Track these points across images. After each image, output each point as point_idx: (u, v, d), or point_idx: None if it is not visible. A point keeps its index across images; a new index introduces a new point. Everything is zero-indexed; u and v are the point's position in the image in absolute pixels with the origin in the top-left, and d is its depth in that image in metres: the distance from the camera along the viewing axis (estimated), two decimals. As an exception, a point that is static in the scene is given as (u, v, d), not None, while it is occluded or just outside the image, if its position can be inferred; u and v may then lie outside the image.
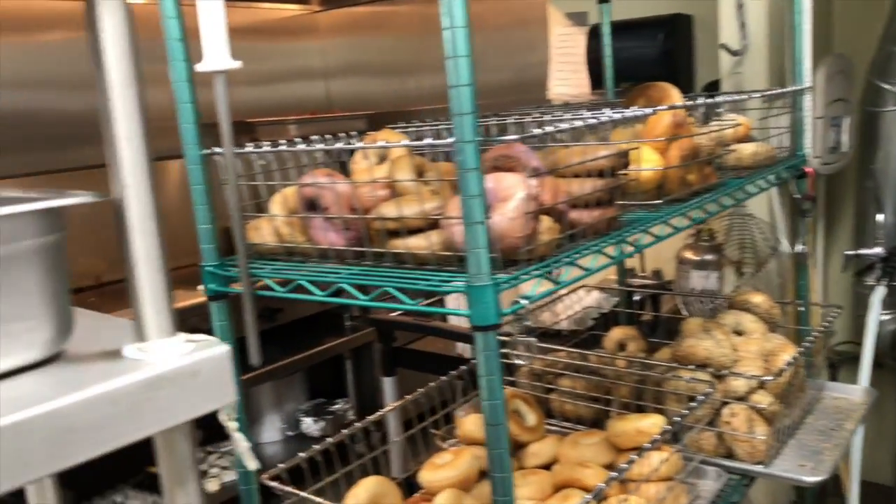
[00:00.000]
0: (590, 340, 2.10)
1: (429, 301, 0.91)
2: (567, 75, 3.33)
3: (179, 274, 1.16)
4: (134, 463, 2.91)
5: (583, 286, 2.33)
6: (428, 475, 1.44)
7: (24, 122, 3.03)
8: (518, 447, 1.58)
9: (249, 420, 3.20)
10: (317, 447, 1.34)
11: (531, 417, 1.62)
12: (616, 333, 1.97)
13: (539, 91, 3.28)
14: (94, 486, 2.78)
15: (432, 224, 0.97)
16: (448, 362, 2.14)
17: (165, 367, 0.53)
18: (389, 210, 0.98)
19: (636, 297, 2.44)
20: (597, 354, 1.75)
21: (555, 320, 2.26)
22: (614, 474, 1.23)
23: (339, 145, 0.98)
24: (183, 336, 0.57)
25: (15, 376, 0.53)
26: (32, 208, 0.53)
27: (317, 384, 3.42)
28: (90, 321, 0.65)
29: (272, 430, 3.24)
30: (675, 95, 1.53)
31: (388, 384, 2.24)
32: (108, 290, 3.25)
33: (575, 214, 1.07)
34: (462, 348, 2.23)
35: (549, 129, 0.92)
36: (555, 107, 1.84)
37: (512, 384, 1.82)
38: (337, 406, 3.30)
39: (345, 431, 1.40)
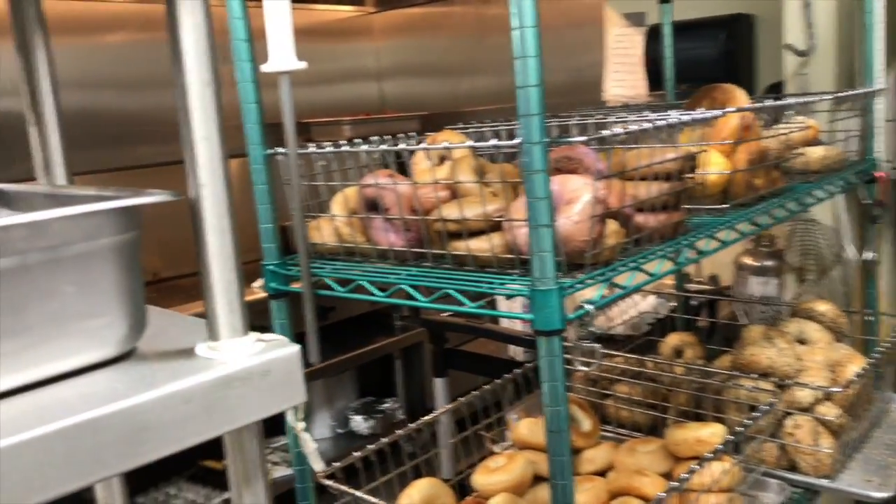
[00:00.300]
0: (645, 346, 2.07)
1: (483, 304, 0.90)
2: (623, 76, 3.28)
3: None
4: (188, 457, 2.96)
5: (637, 290, 2.29)
6: (482, 479, 1.43)
7: (86, 121, 3.11)
8: (573, 453, 1.55)
9: (300, 417, 3.23)
10: (371, 447, 1.34)
11: (586, 423, 1.60)
12: (673, 339, 1.93)
13: (594, 92, 3.24)
14: (149, 479, 2.84)
15: (494, 226, 0.96)
16: (500, 365, 2.13)
17: (237, 366, 0.53)
18: (451, 211, 0.97)
19: (693, 303, 2.39)
20: (654, 360, 1.72)
21: (609, 325, 2.22)
22: (675, 484, 1.20)
23: (401, 146, 0.97)
24: (254, 335, 0.56)
25: (90, 373, 0.53)
26: (111, 206, 0.53)
27: (366, 383, 3.43)
28: (162, 319, 0.65)
29: (323, 427, 3.27)
30: (740, 97, 1.49)
31: (439, 385, 2.24)
32: (165, 287, 3.32)
33: (640, 218, 1.04)
34: (514, 351, 2.21)
35: (618, 130, 0.90)
36: (615, 108, 1.82)
37: (567, 389, 1.80)
38: (386, 405, 3.31)
39: (399, 432, 1.40)
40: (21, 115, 0.75)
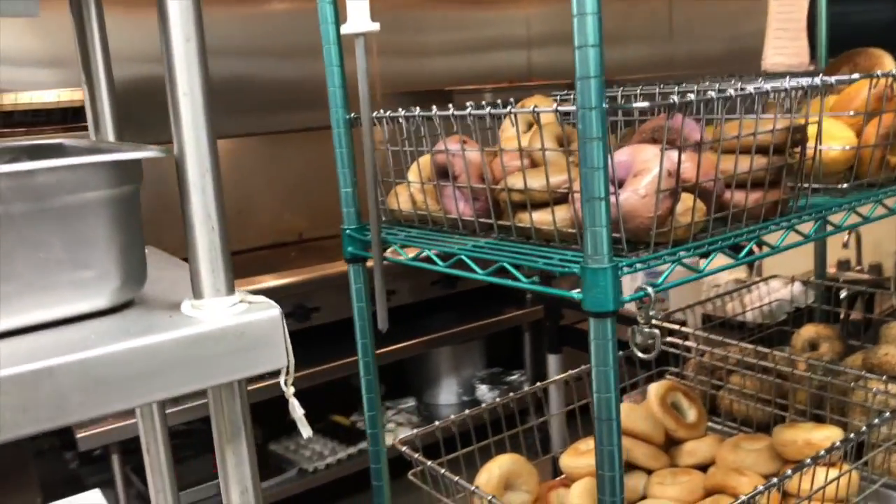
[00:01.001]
0: (777, 336, 1.91)
1: (538, 280, 0.85)
2: (785, 43, 3.02)
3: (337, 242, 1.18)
4: (319, 410, 3.11)
5: (775, 276, 2.12)
6: (569, 460, 1.38)
7: (243, 87, 3.28)
8: (673, 443, 1.47)
9: (427, 381, 3.28)
10: (452, 417, 1.33)
11: (691, 413, 1.50)
12: (808, 331, 1.77)
13: (754, 61, 3.01)
14: (281, 428, 3.00)
15: (559, 198, 0.91)
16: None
17: (211, 326, 0.52)
18: (515, 182, 0.93)
19: (844, 294, 2.17)
20: (776, 353, 1.58)
21: (740, 311, 2.07)
22: (774, 481, 1.10)
23: (469, 111, 0.94)
24: (239, 296, 0.56)
25: (83, 321, 0.55)
26: (99, 160, 0.54)
27: (495, 353, 3.43)
28: (176, 272, 0.67)
29: (449, 394, 3.31)
30: (888, 64, 1.31)
31: (552, 361, 2.19)
32: (308, 247, 3.47)
33: (731, 195, 0.94)
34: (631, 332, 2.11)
35: (690, 96, 0.81)
36: (747, 77, 1.66)
37: (679, 376, 1.70)
38: (513, 377, 3.30)
39: (483, 406, 1.37)
40: (152, 80, 0.79)
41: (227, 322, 0.53)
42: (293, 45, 3.34)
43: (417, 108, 1.05)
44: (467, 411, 1.34)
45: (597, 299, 0.78)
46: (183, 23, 0.51)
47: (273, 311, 0.54)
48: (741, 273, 2.40)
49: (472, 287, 3.18)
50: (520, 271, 0.88)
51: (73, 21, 0.75)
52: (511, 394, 1.40)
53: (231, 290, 0.56)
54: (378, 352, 1.19)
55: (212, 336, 0.52)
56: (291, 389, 0.56)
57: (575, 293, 0.80)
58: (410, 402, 3.22)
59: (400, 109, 1.07)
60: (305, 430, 0.57)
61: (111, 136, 0.77)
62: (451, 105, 1.00)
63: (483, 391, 3.21)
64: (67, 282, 0.53)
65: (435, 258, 0.98)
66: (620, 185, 0.86)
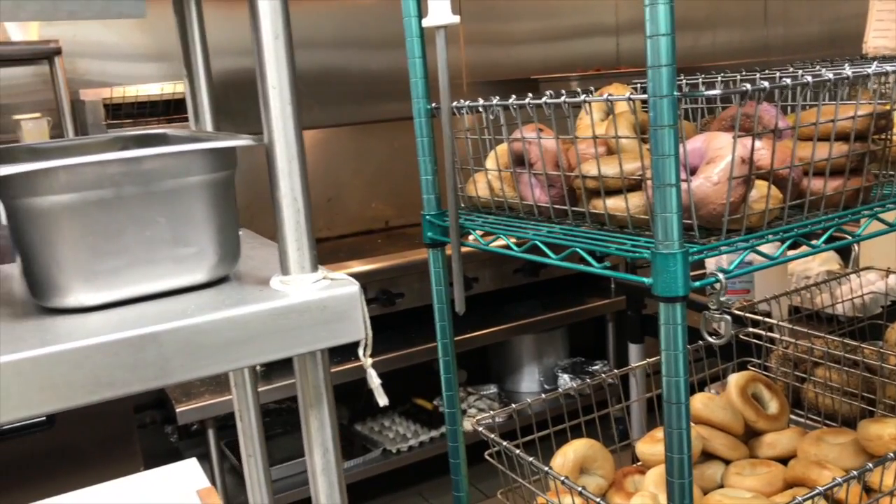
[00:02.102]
0: (869, 330, 1.85)
1: (609, 265, 0.87)
2: (889, 25, 2.89)
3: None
4: (403, 393, 3.19)
5: (869, 268, 2.05)
6: (645, 448, 1.39)
7: (336, 78, 3.38)
8: (754, 435, 1.45)
9: (509, 369, 3.32)
10: (530, 401, 1.36)
11: (773, 405, 1.49)
12: (902, 325, 1.71)
13: (854, 45, 2.89)
14: (368, 410, 3.10)
15: (633, 185, 0.92)
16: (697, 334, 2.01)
17: (296, 299, 0.57)
18: (590, 169, 0.95)
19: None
20: (865, 346, 1.53)
21: (831, 303, 2.01)
22: (854, 473, 1.08)
23: (544, 100, 0.96)
24: (322, 273, 0.61)
25: (183, 294, 0.61)
26: (199, 147, 0.60)
27: (577, 343, 3.43)
28: (266, 251, 0.72)
29: (531, 382, 3.33)
30: None
31: (634, 351, 2.18)
32: (394, 234, 3.55)
33: (809, 183, 0.94)
34: (717, 323, 2.08)
35: (763, 83, 0.81)
36: (838, 62, 1.61)
37: (762, 368, 1.67)
38: (596, 367, 3.29)
39: (560, 390, 1.40)
40: (243, 73, 0.85)
41: (311, 296, 0.58)
42: (382, 36, 3.42)
43: (496, 97, 1.08)
44: (544, 395, 1.37)
45: (667, 284, 0.80)
46: (272, 21, 0.56)
47: (353, 287, 0.59)
48: (833, 265, 2.32)
49: (555, 276, 3.19)
50: (593, 257, 0.90)
51: (176, 18, 0.82)
52: (588, 381, 1.42)
53: (315, 267, 0.61)
54: (461, 338, 1.23)
55: (297, 308, 0.57)
56: (369, 361, 0.60)
57: (647, 279, 0.82)
58: (492, 389, 3.25)
59: (479, 99, 1.10)
60: (382, 399, 0.62)
61: (209, 126, 0.83)
62: (530, 94, 1.03)
63: (565, 380, 3.22)
64: (170, 258, 0.60)
65: (510, 244, 1.02)
66: (694, 172, 0.87)
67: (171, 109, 2.74)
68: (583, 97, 0.92)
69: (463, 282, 1.10)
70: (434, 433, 2.96)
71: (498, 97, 1.06)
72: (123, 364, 0.51)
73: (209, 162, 0.60)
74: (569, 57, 3.95)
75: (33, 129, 2.63)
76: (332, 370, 2.83)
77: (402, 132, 3.10)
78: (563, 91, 0.98)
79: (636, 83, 1.32)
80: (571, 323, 3.27)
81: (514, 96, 1.06)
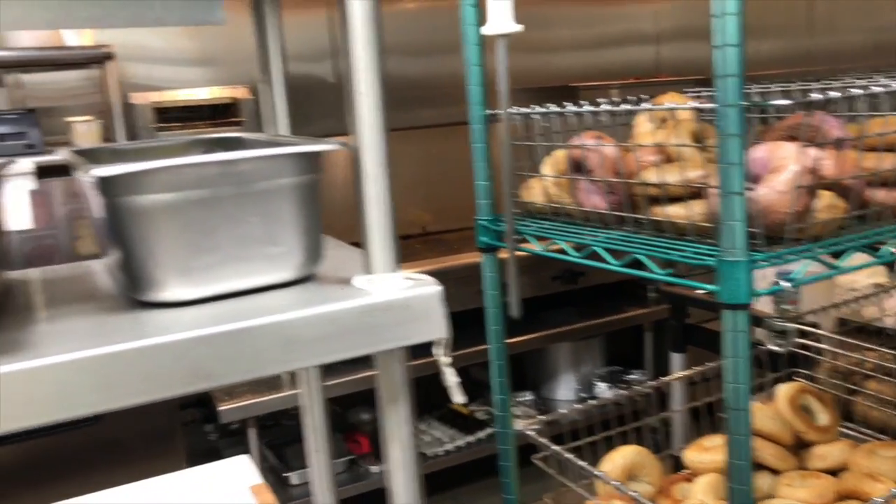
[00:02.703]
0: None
1: (672, 272, 0.88)
2: (937, 36, 2.86)
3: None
4: (439, 399, 3.20)
5: (918, 281, 2.02)
6: (692, 455, 1.39)
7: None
8: (803, 446, 1.45)
9: (546, 376, 3.32)
10: (578, 406, 1.37)
11: (823, 417, 1.48)
12: (953, 340, 1.69)
13: (898, 55, 2.86)
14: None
15: (695, 193, 0.93)
16: (744, 346, 1.99)
17: (381, 297, 0.59)
18: (651, 176, 0.96)
19: None
20: (917, 359, 1.52)
21: (878, 316, 1.99)
22: (905, 490, 1.08)
23: (603, 108, 0.97)
24: (403, 273, 0.63)
25: (272, 291, 0.64)
26: (288, 151, 0.62)
27: (614, 352, 3.42)
28: (343, 252, 0.75)
29: (567, 390, 3.32)
30: None
31: (676, 360, 2.18)
32: (432, 239, 3.57)
33: (876, 194, 0.94)
34: (760, 333, 2.07)
35: (832, 94, 0.82)
36: (891, 73, 1.60)
37: (810, 379, 1.66)
38: (633, 376, 3.28)
39: (607, 397, 1.40)
40: (317, 78, 0.88)
41: (396, 295, 0.60)
42: (421, 43, 3.45)
43: (538, 105, 1.10)
44: (592, 401, 1.38)
45: (731, 291, 0.81)
46: (364, 30, 0.58)
47: (435, 287, 0.61)
48: (881, 277, 2.29)
49: (592, 284, 3.18)
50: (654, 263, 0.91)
51: (254, 24, 0.85)
52: (635, 388, 1.43)
53: (397, 268, 0.63)
54: (498, 344, 1.24)
55: (382, 307, 0.59)
56: (447, 360, 0.62)
57: (710, 286, 0.83)
58: (528, 396, 3.25)
59: (533, 106, 1.12)
60: (458, 397, 0.64)
61: (284, 131, 0.86)
62: (575, 102, 1.04)
63: (602, 388, 3.21)
64: (261, 256, 0.62)
65: (568, 249, 1.03)
66: (755, 181, 0.88)
67: (218, 114, 2.79)
68: (644, 105, 0.93)
69: (518, 286, 1.12)
70: (470, 438, 2.97)
71: (539, 105, 1.07)
72: (222, 356, 0.54)
73: (299, 165, 0.63)
74: (607, 65, 3.95)
75: (85, 131, 2.69)
76: (366, 374, 2.83)
77: (438, 138, 3.11)
78: (608, 99, 0.99)
79: (689, 91, 1.32)
80: (609, 331, 3.27)
81: (569, 104, 1.07)
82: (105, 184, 0.56)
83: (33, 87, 2.98)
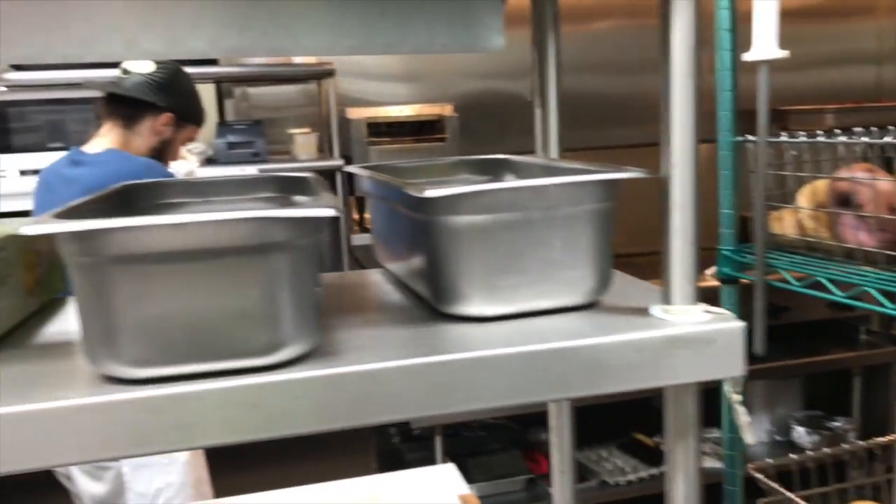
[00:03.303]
0: None
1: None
2: None
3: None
4: (622, 427, 3.12)
5: None
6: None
7: (573, 102, 3.41)
8: None
9: (737, 413, 3.15)
10: (811, 453, 1.29)
11: None
12: None
13: None
14: (587, 438, 3.07)
15: None
16: None
17: (686, 329, 0.59)
18: (938, 214, 0.88)
19: None
20: None
21: None
22: None
23: (888, 139, 0.91)
24: (702, 307, 0.62)
25: (563, 313, 0.65)
26: (594, 178, 0.63)
27: (815, 395, 3.19)
28: (622, 281, 0.75)
29: (759, 431, 3.14)
30: None
31: (903, 411, 1.99)
32: (620, 262, 3.49)
33: None
34: None
35: None
36: None
37: None
38: (837, 424, 3.04)
39: (845, 446, 1.31)
40: (514, 96, 0.90)
41: (701, 328, 0.59)
42: (620, 62, 3.41)
43: (803, 133, 1.04)
44: (826, 450, 1.29)
45: None
46: (682, 60, 0.58)
47: (738, 323, 0.59)
48: None
49: (797, 320, 2.99)
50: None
51: (535, 50, 0.87)
52: (877, 439, 1.32)
53: (696, 300, 0.62)
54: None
55: (687, 339, 0.58)
56: (739, 398, 0.60)
57: None
58: (716, 433, 3.11)
59: (796, 134, 1.07)
60: (750, 437, 0.62)
61: (554, 154, 0.87)
62: (858, 129, 0.98)
63: (800, 433, 3.00)
64: (560, 279, 0.63)
65: (832, 287, 0.97)
66: None
67: (423, 130, 2.90)
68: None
69: (765, 321, 1.07)
70: (654, 470, 2.88)
71: (783, 133, 1.02)
72: (536, 374, 0.55)
73: (601, 192, 0.64)
74: (820, 87, 3.71)
75: (304, 142, 2.89)
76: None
77: (636, 158, 3.05)
78: (828, 129, 0.93)
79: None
80: (810, 373, 3.05)
81: (838, 131, 1.02)
82: (428, 203, 0.60)
83: (257, 99, 3.25)
